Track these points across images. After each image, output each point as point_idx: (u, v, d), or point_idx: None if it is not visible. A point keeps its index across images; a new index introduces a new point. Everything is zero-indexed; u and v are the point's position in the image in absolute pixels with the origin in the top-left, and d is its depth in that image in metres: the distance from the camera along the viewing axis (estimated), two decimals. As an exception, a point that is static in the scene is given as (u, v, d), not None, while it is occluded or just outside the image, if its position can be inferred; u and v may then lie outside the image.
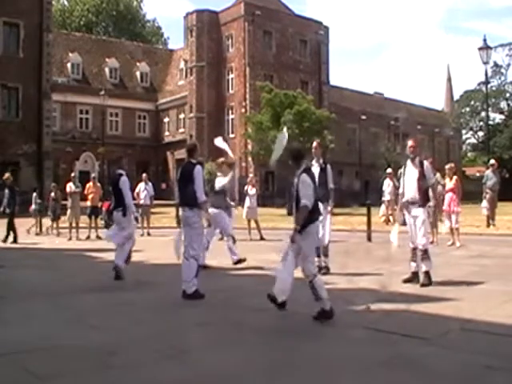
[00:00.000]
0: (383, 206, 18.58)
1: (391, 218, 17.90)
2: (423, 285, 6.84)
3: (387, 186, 17.79)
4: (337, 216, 17.52)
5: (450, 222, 12.07)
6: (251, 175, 17.21)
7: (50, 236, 17.36)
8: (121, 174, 8.28)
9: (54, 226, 17.75)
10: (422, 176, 7.07)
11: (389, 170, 18.26)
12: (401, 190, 7.44)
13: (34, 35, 33.03)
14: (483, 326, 4.82)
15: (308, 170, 5.52)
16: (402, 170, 7.56)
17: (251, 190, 15.33)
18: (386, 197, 17.92)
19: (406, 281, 7.07)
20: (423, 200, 7.08)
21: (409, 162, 7.29)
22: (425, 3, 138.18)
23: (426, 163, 7.24)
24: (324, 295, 5.02)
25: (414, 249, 7.11)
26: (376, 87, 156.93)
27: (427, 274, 6.96)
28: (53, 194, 17.95)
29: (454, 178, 12.22)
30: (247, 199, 15.22)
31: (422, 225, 7.01)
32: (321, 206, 8.10)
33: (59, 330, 5.05)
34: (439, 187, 11.74)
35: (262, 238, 14.63)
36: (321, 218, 5.82)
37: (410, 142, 7.38)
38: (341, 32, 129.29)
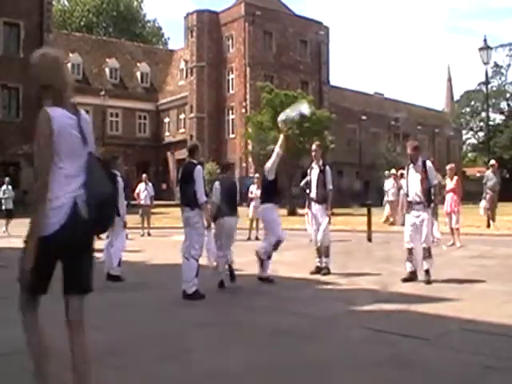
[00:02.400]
0: (388, 207, 18.48)
1: (391, 218, 17.91)
2: (428, 282, 6.89)
3: (391, 186, 17.80)
4: (337, 216, 17.53)
5: (450, 222, 12.09)
6: (257, 175, 17.18)
7: None
8: (115, 175, 8.27)
9: None
10: (425, 176, 7.12)
11: (393, 171, 18.26)
12: (405, 192, 7.50)
13: (34, 35, 33.06)
14: (483, 326, 4.82)
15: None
16: (404, 172, 7.62)
17: (257, 190, 15.33)
18: (390, 197, 17.93)
19: (405, 280, 7.11)
20: (427, 200, 7.12)
21: (411, 165, 7.35)
22: (426, 3, 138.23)
23: (428, 163, 7.29)
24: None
25: (410, 249, 7.15)
26: (376, 87, 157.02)
27: (428, 272, 7.04)
28: None
29: (455, 178, 12.24)
30: (253, 199, 15.24)
31: (426, 224, 7.06)
32: (319, 206, 8.17)
33: (59, 330, 5.04)
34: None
35: (257, 238, 14.66)
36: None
37: (408, 149, 7.42)
38: (341, 32, 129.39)
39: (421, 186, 7.12)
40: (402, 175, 8.49)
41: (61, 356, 3.50)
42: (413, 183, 7.25)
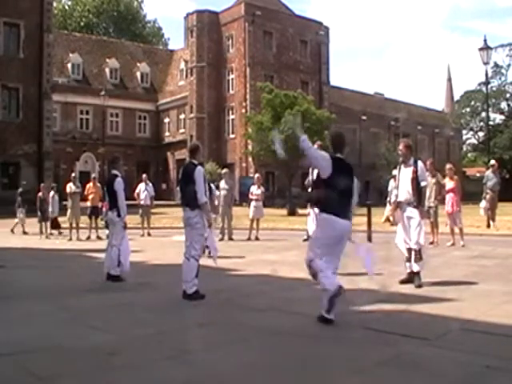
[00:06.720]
0: (388, 207, 18.48)
1: (391, 218, 17.89)
2: (419, 286, 6.82)
3: (394, 186, 17.79)
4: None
5: (451, 222, 12.07)
6: (257, 175, 17.16)
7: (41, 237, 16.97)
8: (116, 175, 8.28)
9: (43, 227, 17.26)
10: (416, 176, 7.04)
11: (394, 172, 18.26)
12: (395, 191, 7.43)
13: (34, 36, 33.04)
14: (483, 326, 4.82)
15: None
16: (394, 172, 7.56)
17: (257, 190, 15.32)
18: (393, 198, 17.92)
19: (403, 281, 7.04)
20: (418, 200, 7.04)
21: (402, 164, 7.31)
22: (426, 3, 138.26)
23: (420, 163, 7.19)
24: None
25: (409, 249, 7.08)
26: (376, 87, 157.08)
27: (418, 274, 6.93)
28: (40, 194, 17.75)
29: (455, 178, 12.22)
30: (254, 199, 15.20)
31: (416, 226, 6.97)
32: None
33: (59, 330, 5.05)
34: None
35: (257, 238, 14.66)
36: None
37: (400, 146, 7.39)
38: (342, 32, 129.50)
39: (411, 185, 7.04)
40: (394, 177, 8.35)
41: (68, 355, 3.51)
42: (403, 183, 7.18)
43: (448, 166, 12.51)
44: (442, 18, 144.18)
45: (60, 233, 17.74)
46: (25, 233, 18.44)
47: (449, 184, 12.06)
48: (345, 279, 7.39)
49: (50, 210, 17.40)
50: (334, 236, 5.16)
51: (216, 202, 13.33)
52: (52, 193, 17.67)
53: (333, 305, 4.92)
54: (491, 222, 15.63)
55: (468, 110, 65.70)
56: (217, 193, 13.52)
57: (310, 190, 8.25)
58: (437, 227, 12.17)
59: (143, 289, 7.27)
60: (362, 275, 7.76)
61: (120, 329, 5.07)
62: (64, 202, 17.61)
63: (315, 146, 8.48)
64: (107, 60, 50.22)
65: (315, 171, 8.23)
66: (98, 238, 15.68)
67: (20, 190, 19.84)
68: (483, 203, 15.14)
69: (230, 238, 14.40)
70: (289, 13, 48.96)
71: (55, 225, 18.04)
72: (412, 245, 6.97)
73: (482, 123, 63.75)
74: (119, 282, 7.67)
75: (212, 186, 12.01)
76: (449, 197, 12.00)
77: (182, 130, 47.77)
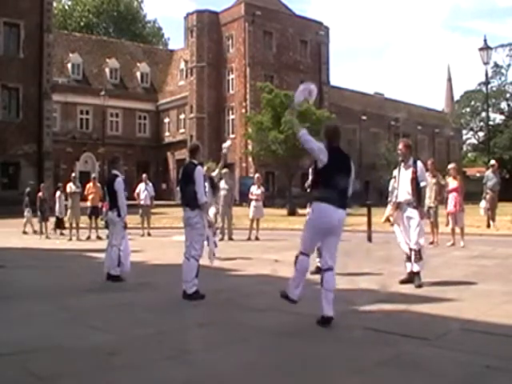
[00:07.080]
0: (389, 207, 18.50)
1: (391, 218, 17.88)
2: (419, 286, 6.82)
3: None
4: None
5: (453, 222, 12.04)
6: (257, 175, 17.16)
7: (41, 237, 17.06)
8: (116, 175, 8.27)
9: (43, 227, 17.29)
10: (416, 176, 7.03)
11: (395, 172, 18.26)
12: (395, 192, 7.43)
13: (34, 36, 33.05)
14: (483, 326, 4.82)
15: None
16: (395, 172, 7.56)
17: (257, 190, 15.31)
18: (393, 199, 17.92)
19: (403, 281, 7.04)
20: (417, 201, 7.03)
21: (402, 164, 7.30)
22: (426, 3, 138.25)
23: (419, 163, 7.18)
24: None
25: (410, 249, 7.08)
26: (376, 87, 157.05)
27: (418, 274, 6.92)
28: (40, 194, 17.74)
29: (458, 177, 12.19)
30: (253, 199, 15.19)
31: (416, 226, 6.96)
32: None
33: (59, 330, 5.05)
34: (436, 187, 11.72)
35: (257, 238, 14.66)
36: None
37: (399, 146, 7.39)
38: (342, 32, 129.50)
39: (410, 185, 7.03)
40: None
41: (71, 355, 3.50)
42: (403, 183, 7.17)
43: (451, 165, 12.44)
44: (442, 17, 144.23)
45: (62, 233, 17.75)
46: (25, 232, 18.46)
47: (452, 183, 11.94)
48: (345, 279, 7.42)
49: (57, 209, 17.49)
50: (325, 224, 5.10)
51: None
52: (58, 193, 17.73)
53: (285, 293, 5.22)
54: (491, 222, 15.63)
55: (468, 110, 65.71)
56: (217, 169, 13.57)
57: (308, 190, 8.24)
58: (437, 227, 12.17)
59: (143, 289, 7.26)
60: (362, 275, 7.78)
61: (120, 329, 5.07)
62: (64, 202, 17.63)
63: None
64: (107, 60, 50.23)
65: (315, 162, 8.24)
66: (98, 237, 15.67)
67: (28, 189, 19.83)
68: (483, 203, 15.14)
69: (230, 238, 14.39)
70: (289, 13, 48.97)
71: (61, 225, 18.05)
72: (412, 245, 6.97)
73: (482, 123, 63.75)
74: (119, 282, 7.67)
75: (214, 173, 12.05)
76: (452, 196, 11.86)
77: (181, 130, 47.78)
